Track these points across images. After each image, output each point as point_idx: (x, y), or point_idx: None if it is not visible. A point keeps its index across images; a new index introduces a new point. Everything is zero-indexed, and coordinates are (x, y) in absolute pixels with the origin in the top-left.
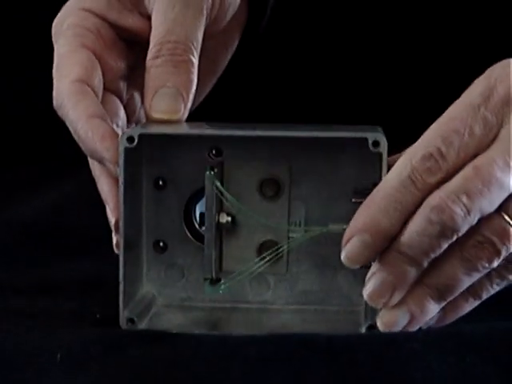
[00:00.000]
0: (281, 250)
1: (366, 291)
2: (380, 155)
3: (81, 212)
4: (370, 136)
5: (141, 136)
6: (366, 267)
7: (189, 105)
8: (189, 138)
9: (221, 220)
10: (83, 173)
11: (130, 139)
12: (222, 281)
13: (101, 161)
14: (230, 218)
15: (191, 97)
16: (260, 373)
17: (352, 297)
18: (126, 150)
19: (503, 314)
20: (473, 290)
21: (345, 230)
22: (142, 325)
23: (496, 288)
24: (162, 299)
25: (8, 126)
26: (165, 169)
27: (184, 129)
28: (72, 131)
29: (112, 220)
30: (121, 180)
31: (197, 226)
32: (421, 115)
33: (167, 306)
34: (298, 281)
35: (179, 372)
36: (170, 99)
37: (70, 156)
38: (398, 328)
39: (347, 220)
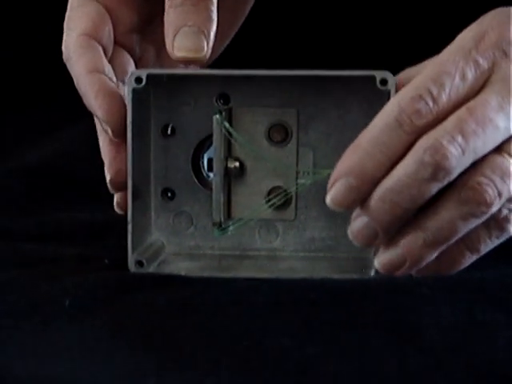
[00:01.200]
0: (289, 192)
1: (350, 231)
2: (388, 94)
3: (89, 159)
4: (378, 74)
5: (149, 77)
6: None
7: (211, 43)
8: (197, 83)
9: (229, 165)
10: (91, 120)
11: (138, 80)
12: (231, 224)
13: (96, 117)
14: (238, 164)
15: (213, 35)
16: (268, 317)
17: None
18: (134, 90)
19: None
20: (470, 243)
21: None
22: (150, 269)
23: (495, 241)
24: (171, 247)
25: (16, 72)
26: (173, 116)
27: (192, 71)
28: (75, 85)
29: (108, 177)
30: (129, 122)
31: (205, 173)
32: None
33: (176, 254)
34: (306, 228)
35: (188, 315)
36: (193, 37)
37: (77, 103)
38: (394, 270)
39: None
